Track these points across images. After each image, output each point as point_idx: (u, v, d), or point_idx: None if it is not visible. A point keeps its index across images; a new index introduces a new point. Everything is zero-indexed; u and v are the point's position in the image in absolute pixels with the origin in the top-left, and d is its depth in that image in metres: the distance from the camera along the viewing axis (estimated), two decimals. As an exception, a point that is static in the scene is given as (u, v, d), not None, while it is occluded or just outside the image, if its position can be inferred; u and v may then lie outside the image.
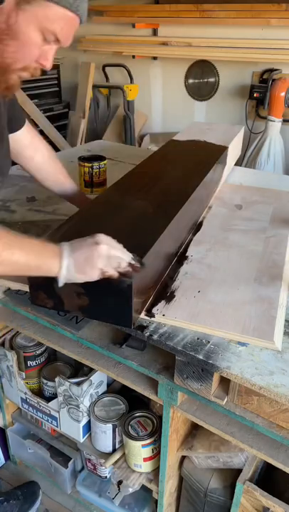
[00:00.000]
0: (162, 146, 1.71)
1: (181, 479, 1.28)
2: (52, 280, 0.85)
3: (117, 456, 1.31)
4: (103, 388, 1.36)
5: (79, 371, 1.40)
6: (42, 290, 0.91)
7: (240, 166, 2.58)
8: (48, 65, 0.89)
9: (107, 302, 0.88)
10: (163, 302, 1.00)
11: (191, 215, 1.28)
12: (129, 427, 1.24)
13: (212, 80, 3.61)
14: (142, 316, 0.96)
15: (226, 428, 1.00)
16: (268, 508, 1.03)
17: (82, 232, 0.94)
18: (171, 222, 1.04)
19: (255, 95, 3.31)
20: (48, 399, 1.40)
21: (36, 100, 4.16)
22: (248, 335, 0.90)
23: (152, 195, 1.19)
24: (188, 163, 1.44)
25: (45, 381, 1.42)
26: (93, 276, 0.83)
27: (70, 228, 0.99)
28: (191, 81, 3.75)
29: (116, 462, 1.31)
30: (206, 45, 3.42)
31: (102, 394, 1.36)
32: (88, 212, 1.08)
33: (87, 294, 0.88)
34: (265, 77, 3.31)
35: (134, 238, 0.95)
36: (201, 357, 0.87)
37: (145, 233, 0.98)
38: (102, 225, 1.00)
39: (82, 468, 1.55)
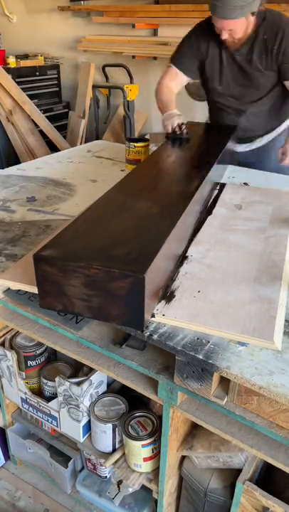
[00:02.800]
0: (160, 147, 1.71)
1: (181, 479, 1.28)
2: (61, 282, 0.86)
3: (117, 456, 1.31)
4: (103, 388, 1.36)
5: (79, 371, 1.40)
6: (51, 292, 0.90)
7: (240, 166, 2.58)
8: (222, 37, 1.77)
9: (118, 304, 0.87)
10: (163, 302, 1.00)
11: (194, 215, 1.28)
12: (129, 427, 1.24)
13: (212, 80, 3.61)
14: (142, 316, 0.96)
15: (225, 428, 1.01)
16: (268, 508, 1.03)
17: (87, 234, 0.94)
18: (177, 223, 1.04)
19: (255, 95, 3.30)
20: (48, 399, 1.40)
21: (36, 100, 4.16)
22: (247, 335, 0.90)
23: (155, 196, 1.18)
24: (188, 163, 1.44)
25: (45, 381, 1.42)
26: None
27: (76, 230, 0.98)
28: (191, 81, 3.75)
29: (116, 462, 1.31)
30: (206, 45, 3.41)
31: (102, 394, 1.36)
32: (93, 214, 1.07)
33: (98, 296, 0.87)
34: (265, 77, 3.30)
35: (141, 239, 0.94)
36: (200, 357, 0.87)
37: (152, 234, 0.97)
38: (108, 227, 1.00)
39: (82, 468, 1.55)
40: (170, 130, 1.78)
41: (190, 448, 1.18)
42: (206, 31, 1.87)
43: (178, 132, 1.75)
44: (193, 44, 1.92)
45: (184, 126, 1.77)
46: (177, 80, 1.99)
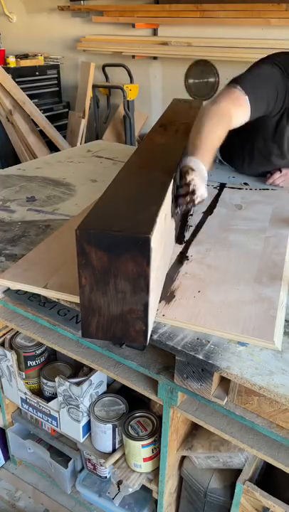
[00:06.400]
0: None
1: (181, 479, 1.27)
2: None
3: (116, 456, 1.31)
4: (103, 388, 1.36)
5: (79, 371, 1.40)
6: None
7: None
8: None
9: None
10: (163, 302, 1.00)
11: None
12: (129, 427, 1.24)
13: (212, 80, 3.61)
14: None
15: (225, 428, 1.00)
16: (268, 508, 1.03)
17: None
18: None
19: (255, 95, 3.30)
20: (48, 399, 1.40)
21: (36, 100, 4.16)
22: (247, 335, 0.90)
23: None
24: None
25: (45, 381, 1.42)
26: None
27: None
28: (191, 81, 3.75)
29: (116, 462, 1.31)
30: (206, 45, 3.42)
31: (102, 394, 1.36)
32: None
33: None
34: (265, 77, 3.30)
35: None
36: (201, 357, 0.87)
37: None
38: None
39: (82, 468, 1.55)
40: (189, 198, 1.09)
41: (190, 448, 1.18)
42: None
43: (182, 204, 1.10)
44: (279, 85, 1.39)
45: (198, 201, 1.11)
46: (244, 112, 1.34)
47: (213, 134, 1.21)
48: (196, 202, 1.07)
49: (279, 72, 1.39)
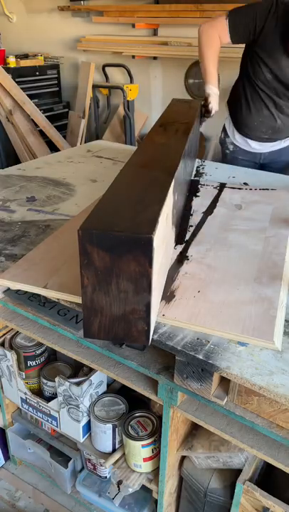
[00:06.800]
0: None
1: (181, 479, 1.28)
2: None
3: (116, 456, 1.31)
4: (103, 388, 1.36)
5: (79, 371, 1.40)
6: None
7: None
8: None
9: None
10: (163, 302, 1.00)
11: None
12: (129, 427, 1.24)
13: (212, 79, 3.61)
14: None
15: (225, 428, 1.00)
16: (268, 508, 1.03)
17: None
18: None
19: (255, 95, 3.29)
20: (48, 399, 1.40)
21: (36, 100, 4.16)
22: (247, 335, 0.90)
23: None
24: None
25: (45, 381, 1.42)
26: None
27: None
28: (191, 81, 3.75)
29: (116, 462, 1.31)
30: (206, 45, 3.41)
31: (102, 394, 1.36)
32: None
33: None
34: (265, 77, 3.30)
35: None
36: (200, 357, 0.87)
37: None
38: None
39: (82, 468, 1.55)
40: (209, 109, 1.89)
41: (190, 448, 1.18)
42: (279, 10, 1.79)
43: (205, 113, 1.92)
44: (263, 13, 1.82)
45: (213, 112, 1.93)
46: (226, 35, 1.93)
47: (212, 57, 1.99)
48: (212, 114, 1.89)
49: (268, 3, 1.81)
